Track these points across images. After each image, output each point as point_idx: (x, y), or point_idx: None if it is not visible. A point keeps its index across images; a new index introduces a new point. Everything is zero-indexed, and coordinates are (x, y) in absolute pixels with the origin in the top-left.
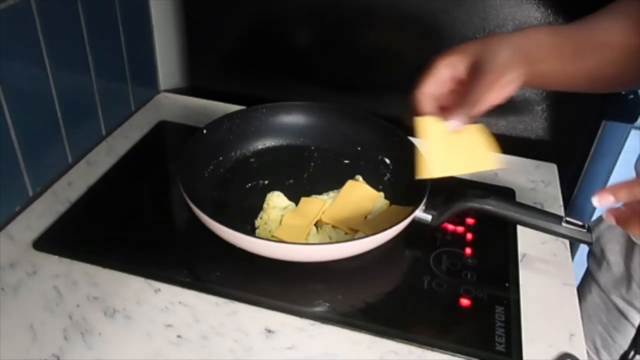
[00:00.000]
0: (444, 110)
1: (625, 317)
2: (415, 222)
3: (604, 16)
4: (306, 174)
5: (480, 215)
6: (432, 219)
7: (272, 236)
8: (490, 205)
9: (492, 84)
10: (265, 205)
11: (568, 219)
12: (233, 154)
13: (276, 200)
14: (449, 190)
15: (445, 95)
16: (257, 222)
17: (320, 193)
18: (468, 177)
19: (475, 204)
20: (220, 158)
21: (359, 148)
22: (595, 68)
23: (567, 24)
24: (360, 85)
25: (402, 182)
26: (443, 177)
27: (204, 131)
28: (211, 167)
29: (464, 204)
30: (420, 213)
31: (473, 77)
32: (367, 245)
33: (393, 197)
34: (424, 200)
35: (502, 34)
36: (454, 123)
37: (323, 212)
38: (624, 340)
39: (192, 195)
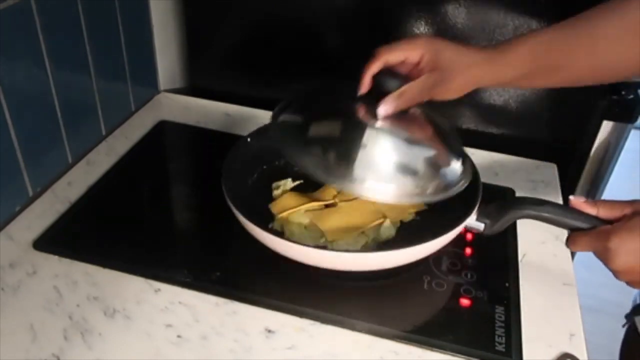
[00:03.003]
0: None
1: None
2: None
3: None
4: None
5: None
6: (485, 228)
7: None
8: (549, 213)
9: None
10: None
11: None
12: (277, 162)
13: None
14: (501, 198)
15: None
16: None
17: None
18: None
19: (532, 212)
20: (264, 167)
21: None
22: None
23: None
24: None
25: None
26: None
27: (248, 139)
28: (255, 176)
29: (520, 211)
30: (472, 221)
31: (422, 72)
32: (407, 257)
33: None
34: (476, 208)
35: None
36: (382, 110)
37: (337, 194)
38: None
39: (237, 204)
